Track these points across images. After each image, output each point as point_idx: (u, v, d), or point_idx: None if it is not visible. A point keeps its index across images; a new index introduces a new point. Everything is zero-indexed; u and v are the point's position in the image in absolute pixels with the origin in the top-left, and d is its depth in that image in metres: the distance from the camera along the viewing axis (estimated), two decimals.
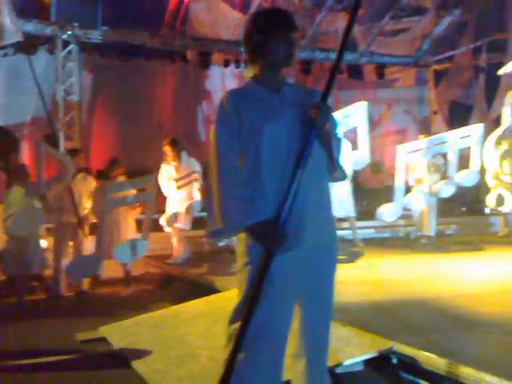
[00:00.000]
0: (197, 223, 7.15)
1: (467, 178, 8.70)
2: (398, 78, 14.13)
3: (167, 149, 7.06)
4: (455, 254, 7.51)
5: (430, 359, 3.15)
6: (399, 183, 8.42)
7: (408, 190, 8.71)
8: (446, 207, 10.87)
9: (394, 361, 3.37)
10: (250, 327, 2.09)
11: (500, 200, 9.12)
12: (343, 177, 2.44)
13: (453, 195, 9.01)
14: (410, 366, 3.29)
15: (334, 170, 2.33)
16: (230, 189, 2.18)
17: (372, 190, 11.63)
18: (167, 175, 7.14)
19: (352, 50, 12.47)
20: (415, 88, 14.06)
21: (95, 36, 10.06)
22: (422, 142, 8.76)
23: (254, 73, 2.33)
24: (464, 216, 12.00)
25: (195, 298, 5.03)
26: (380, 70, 12.64)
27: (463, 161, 8.76)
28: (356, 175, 8.88)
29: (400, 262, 7.01)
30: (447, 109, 13.82)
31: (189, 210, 7.05)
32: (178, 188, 7.12)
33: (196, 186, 7.12)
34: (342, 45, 2.21)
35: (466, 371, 2.96)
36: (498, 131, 9.26)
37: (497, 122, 12.71)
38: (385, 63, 12.74)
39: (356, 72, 12.68)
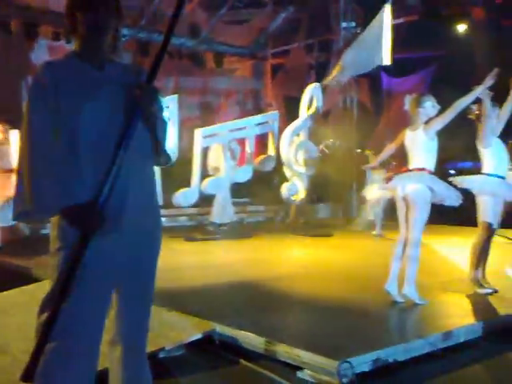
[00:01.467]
0: None
1: (264, 164, 9.12)
2: (236, 68, 14.48)
3: None
4: (275, 240, 8.00)
5: (249, 338, 3.30)
6: (196, 168, 8.48)
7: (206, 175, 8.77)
8: (276, 194, 11.42)
9: (217, 342, 3.46)
10: (62, 314, 1.97)
11: (293, 189, 9.53)
12: (168, 161, 2.40)
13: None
14: (232, 346, 3.40)
15: (158, 154, 2.28)
16: (44, 167, 2.02)
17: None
18: None
19: (194, 36, 12.46)
20: (252, 79, 14.52)
21: None
22: (219, 126, 8.94)
23: (75, 46, 2.19)
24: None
25: (10, 288, 4.66)
26: (219, 58, 12.81)
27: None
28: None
29: (217, 248, 7.30)
30: (282, 102, 14.47)
31: None
32: None
33: None
34: (170, 27, 2.17)
35: (281, 348, 3.15)
36: (296, 123, 9.65)
37: (325, 116, 13.71)
38: (223, 52, 12.95)
39: (196, 59, 12.71)
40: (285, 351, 3.12)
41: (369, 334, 3.46)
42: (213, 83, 13.50)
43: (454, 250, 6.70)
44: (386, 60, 8.96)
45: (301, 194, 9.56)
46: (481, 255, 4.65)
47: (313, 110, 9.70)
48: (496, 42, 13.28)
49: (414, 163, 4.22)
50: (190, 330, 3.43)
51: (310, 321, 3.85)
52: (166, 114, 2.33)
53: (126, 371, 2.25)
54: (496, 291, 4.53)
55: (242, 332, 3.35)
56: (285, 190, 9.46)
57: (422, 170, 4.15)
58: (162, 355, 3.25)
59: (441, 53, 13.84)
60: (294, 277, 5.23)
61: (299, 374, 3.03)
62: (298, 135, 9.61)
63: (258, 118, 9.68)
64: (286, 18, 12.73)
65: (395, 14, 9.90)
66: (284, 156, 9.41)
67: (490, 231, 4.62)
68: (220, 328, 3.44)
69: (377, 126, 13.06)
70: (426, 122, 4.22)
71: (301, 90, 12.70)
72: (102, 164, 2.02)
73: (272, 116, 9.53)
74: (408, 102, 4.33)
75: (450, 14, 11.96)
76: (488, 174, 4.60)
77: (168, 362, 3.26)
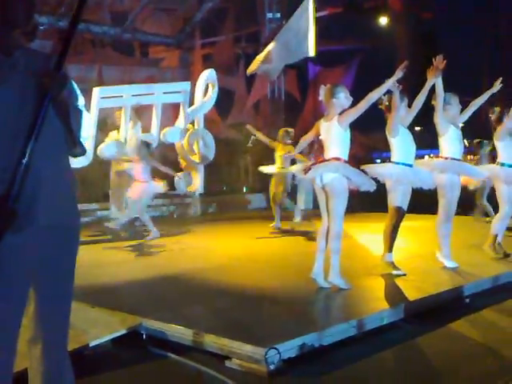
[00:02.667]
0: None
1: (171, 135, 8.55)
2: (163, 58, 14.24)
3: None
4: (199, 232, 7.92)
5: (176, 331, 3.27)
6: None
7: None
8: (209, 186, 11.35)
9: (144, 336, 3.41)
10: None
11: (188, 180, 8.84)
12: (83, 152, 2.33)
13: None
14: (159, 340, 3.36)
15: (73, 145, 2.20)
16: None
17: None
18: None
19: (118, 24, 12.15)
20: (179, 69, 14.33)
21: None
22: (121, 88, 8.38)
23: None
24: (225, 194, 12.53)
25: None
26: (144, 48, 12.57)
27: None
28: None
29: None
30: None
31: None
32: None
33: None
34: (76, 13, 2.08)
35: (209, 339, 3.14)
36: (188, 110, 8.97)
37: (256, 106, 13.78)
38: (148, 41, 12.70)
39: (121, 48, 12.41)
40: (212, 341, 3.12)
41: (295, 320, 3.52)
42: (138, 73, 13.18)
43: (378, 235, 6.93)
44: (311, 51, 9.02)
45: (195, 185, 8.94)
46: (393, 238, 4.83)
47: (208, 97, 9.14)
48: (416, 34, 13.81)
49: (329, 153, 4.27)
50: (116, 325, 3.35)
51: (237, 310, 3.85)
52: (81, 102, 2.25)
53: (47, 370, 2.17)
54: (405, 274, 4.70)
55: (169, 325, 3.32)
56: (177, 181, 8.56)
57: (338, 159, 4.22)
58: (86, 352, 3.16)
59: (366, 45, 14.23)
60: (219, 268, 5.23)
61: (227, 363, 3.04)
62: (192, 124, 8.99)
63: (167, 85, 9.06)
64: (213, 9, 12.64)
65: (321, 5, 10.04)
66: (177, 145, 8.78)
67: (399, 214, 4.80)
68: (146, 322, 3.39)
69: (303, 114, 13.27)
70: (340, 113, 4.28)
71: (229, 81, 12.71)
72: (12, 155, 1.93)
73: (184, 86, 8.89)
74: (323, 92, 4.37)
75: (371, 7, 12.31)
76: (395, 163, 4.78)
77: (93, 359, 3.17)
